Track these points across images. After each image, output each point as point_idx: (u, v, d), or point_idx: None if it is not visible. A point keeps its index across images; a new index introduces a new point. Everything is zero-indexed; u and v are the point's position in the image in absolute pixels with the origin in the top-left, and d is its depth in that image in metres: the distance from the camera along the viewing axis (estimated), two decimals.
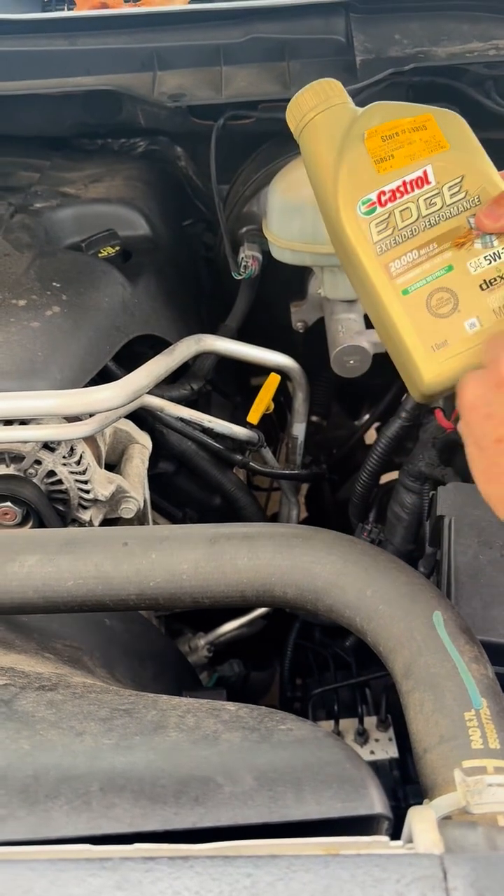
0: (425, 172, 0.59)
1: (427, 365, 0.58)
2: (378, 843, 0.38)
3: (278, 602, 0.58)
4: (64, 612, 0.57)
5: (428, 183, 0.59)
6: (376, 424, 1.28)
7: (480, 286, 0.58)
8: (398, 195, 0.59)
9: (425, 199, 0.59)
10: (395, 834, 0.41)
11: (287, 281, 1.12)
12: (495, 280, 0.58)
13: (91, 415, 0.85)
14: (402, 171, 0.59)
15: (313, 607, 0.56)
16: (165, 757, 0.43)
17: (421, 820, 0.38)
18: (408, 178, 0.59)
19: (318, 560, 0.56)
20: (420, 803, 0.42)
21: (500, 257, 0.58)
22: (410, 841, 0.38)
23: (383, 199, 0.59)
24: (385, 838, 0.38)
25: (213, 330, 1.09)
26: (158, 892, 0.35)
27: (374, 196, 0.59)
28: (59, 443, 0.84)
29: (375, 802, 0.40)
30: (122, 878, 0.36)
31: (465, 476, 0.91)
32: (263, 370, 1.07)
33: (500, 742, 0.44)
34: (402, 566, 0.55)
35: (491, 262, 0.58)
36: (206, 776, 0.41)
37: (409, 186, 0.59)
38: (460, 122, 0.62)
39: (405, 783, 0.92)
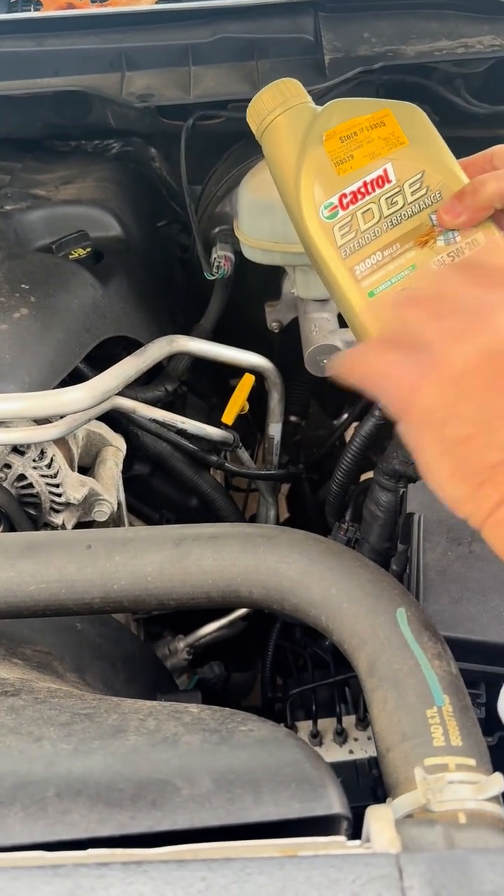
0: (385, 171, 0.59)
1: None
2: (335, 844, 0.37)
3: (245, 602, 0.57)
4: (27, 617, 0.57)
5: (389, 181, 0.59)
6: (356, 424, 1.28)
7: None
8: (359, 196, 0.59)
9: (387, 199, 0.59)
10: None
11: (262, 281, 1.12)
12: None
13: (61, 417, 0.84)
14: (362, 172, 0.59)
15: (279, 607, 0.56)
16: (124, 761, 0.42)
17: (378, 819, 0.38)
18: (368, 178, 0.59)
19: (282, 559, 0.55)
20: None
21: (462, 253, 0.58)
22: (368, 841, 0.38)
23: (345, 201, 0.59)
24: (342, 838, 0.38)
25: (189, 331, 1.08)
26: None
27: (335, 200, 0.59)
28: (28, 446, 0.83)
29: (334, 802, 0.40)
30: (76, 885, 0.35)
31: None
32: (240, 371, 1.07)
33: (461, 739, 0.44)
34: (366, 564, 0.55)
35: (454, 259, 0.58)
36: (163, 779, 0.41)
37: (369, 187, 0.59)
38: (419, 114, 0.62)
39: None
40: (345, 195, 0.59)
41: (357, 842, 0.38)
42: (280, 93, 0.62)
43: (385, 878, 0.35)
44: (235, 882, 0.35)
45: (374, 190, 0.59)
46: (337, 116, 0.60)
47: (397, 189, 0.59)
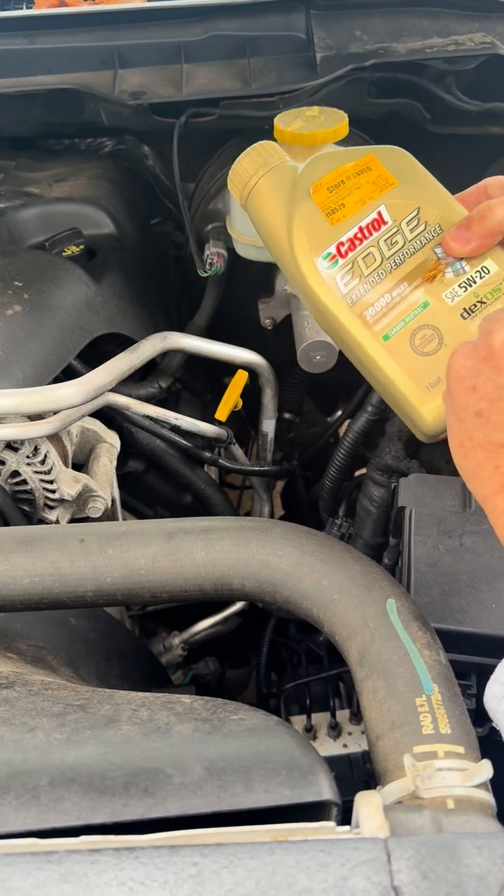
0: (380, 213, 0.58)
1: (426, 406, 0.56)
2: (325, 829, 0.38)
3: (237, 595, 0.58)
4: (21, 611, 0.57)
5: (385, 223, 0.58)
6: (350, 420, 1.28)
7: (461, 315, 0.56)
8: (357, 242, 0.57)
9: (386, 240, 0.57)
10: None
11: (255, 278, 1.12)
12: (475, 306, 0.56)
13: (55, 413, 0.84)
14: (355, 218, 0.58)
15: (271, 599, 0.56)
16: (116, 750, 0.43)
17: (367, 805, 0.38)
18: (363, 224, 0.57)
19: (274, 552, 0.56)
20: None
21: (474, 282, 0.57)
22: (358, 826, 0.39)
23: (343, 249, 0.57)
24: (332, 824, 0.38)
25: (183, 328, 1.09)
26: (104, 884, 0.35)
27: (332, 250, 0.57)
28: (22, 442, 0.83)
29: (324, 789, 0.40)
30: (68, 871, 0.36)
31: (430, 468, 0.92)
32: (234, 368, 1.07)
33: (450, 727, 0.45)
34: (357, 556, 0.55)
35: (467, 289, 0.57)
36: (155, 767, 0.41)
37: (366, 231, 0.58)
38: (404, 155, 0.61)
39: None
40: (342, 243, 0.57)
41: (346, 827, 0.38)
42: (259, 155, 0.61)
43: (373, 861, 0.35)
44: (226, 867, 0.36)
45: (371, 234, 0.57)
46: (321, 168, 0.59)
47: (395, 229, 0.57)
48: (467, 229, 0.56)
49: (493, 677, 0.47)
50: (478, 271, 0.57)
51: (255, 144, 0.62)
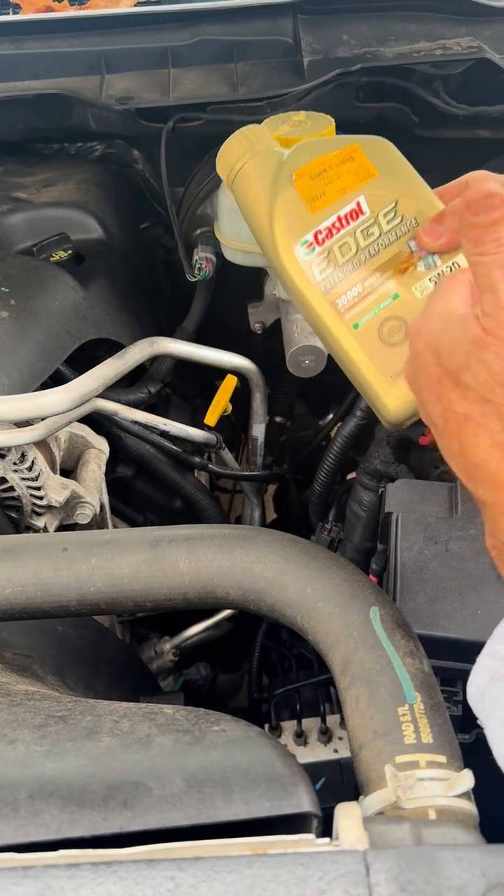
0: (358, 204, 0.59)
1: (389, 395, 0.57)
2: (304, 842, 0.37)
3: (222, 603, 0.58)
4: (3, 620, 0.57)
5: (363, 213, 0.59)
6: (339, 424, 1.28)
7: None
8: (335, 231, 0.59)
9: (362, 231, 0.58)
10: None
11: (244, 282, 1.12)
12: None
13: (42, 420, 0.84)
14: (335, 207, 0.59)
15: (256, 607, 0.56)
16: (96, 762, 0.43)
17: (346, 817, 0.38)
18: (342, 213, 0.59)
19: (258, 560, 0.55)
20: None
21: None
22: (337, 838, 0.38)
23: (320, 237, 0.59)
24: (311, 836, 0.38)
25: (172, 333, 1.08)
26: None
27: (310, 237, 0.59)
28: (9, 449, 0.83)
29: (304, 801, 0.40)
30: (45, 886, 0.35)
31: (419, 473, 0.92)
32: (224, 372, 1.07)
33: (432, 736, 0.45)
34: (341, 563, 0.55)
35: (436, 284, 0.57)
36: (135, 780, 0.41)
37: (344, 221, 0.59)
38: (388, 146, 0.62)
39: None
40: (319, 231, 0.59)
41: (326, 839, 0.38)
42: (246, 139, 0.62)
43: (352, 874, 0.35)
44: (204, 881, 0.35)
45: (348, 223, 0.59)
46: (305, 156, 0.60)
47: (372, 220, 0.58)
48: (440, 224, 0.56)
49: (470, 679, 0.47)
50: (448, 266, 0.57)
51: (243, 128, 0.63)
